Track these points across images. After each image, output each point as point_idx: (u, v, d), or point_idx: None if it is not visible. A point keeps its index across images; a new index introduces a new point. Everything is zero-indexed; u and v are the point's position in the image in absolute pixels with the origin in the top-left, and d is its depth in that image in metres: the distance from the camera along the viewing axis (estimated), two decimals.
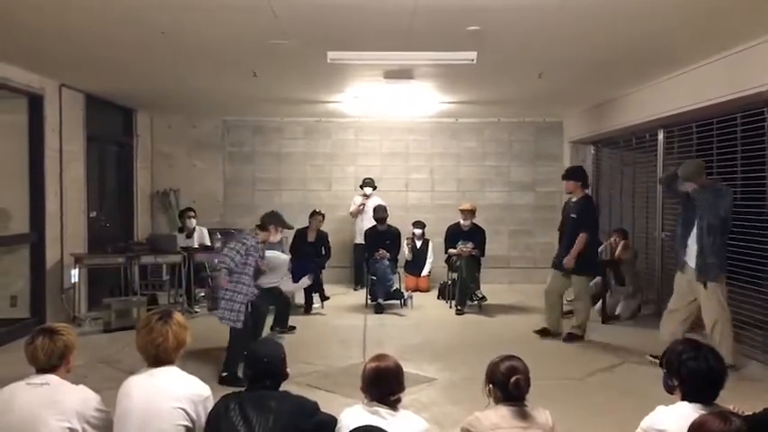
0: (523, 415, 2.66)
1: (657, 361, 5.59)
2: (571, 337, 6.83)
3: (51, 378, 2.80)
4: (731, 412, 2.22)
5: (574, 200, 6.98)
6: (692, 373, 2.64)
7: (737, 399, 2.79)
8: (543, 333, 7.03)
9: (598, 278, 8.14)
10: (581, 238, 6.73)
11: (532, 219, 10.99)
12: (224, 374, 5.35)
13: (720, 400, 2.65)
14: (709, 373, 2.63)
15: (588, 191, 7.13)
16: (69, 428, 2.68)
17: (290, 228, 6.65)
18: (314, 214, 8.89)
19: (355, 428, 2.40)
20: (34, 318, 7.06)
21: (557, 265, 7.01)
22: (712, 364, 2.64)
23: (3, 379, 2.91)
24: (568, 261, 6.75)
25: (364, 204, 10.05)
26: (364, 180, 10.21)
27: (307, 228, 8.85)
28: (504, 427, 2.62)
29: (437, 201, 10.97)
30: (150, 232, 10.24)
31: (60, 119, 7.68)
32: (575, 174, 7.07)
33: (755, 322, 6.23)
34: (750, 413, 2.58)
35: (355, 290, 10.01)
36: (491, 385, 2.78)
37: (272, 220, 6.16)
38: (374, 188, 10.17)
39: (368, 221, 9.71)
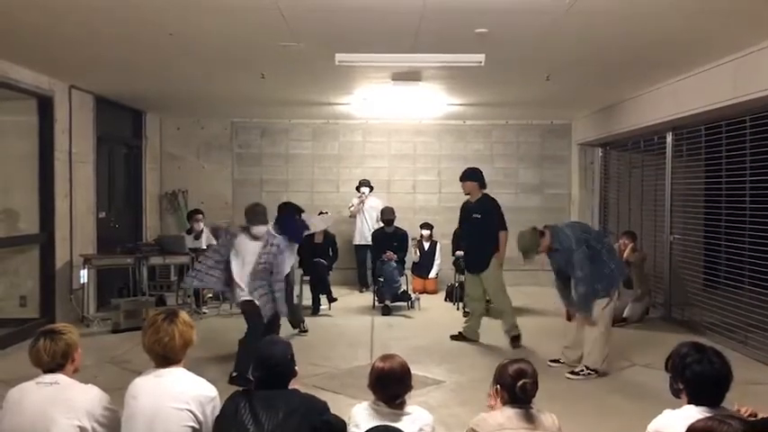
0: (529, 417, 2.66)
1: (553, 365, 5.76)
2: (516, 340, 6.73)
3: (61, 377, 2.82)
4: (730, 416, 2.20)
5: (473, 200, 6.95)
6: (697, 376, 2.62)
7: (749, 404, 2.77)
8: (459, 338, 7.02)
9: None
10: (502, 236, 6.77)
11: (540, 221, 10.81)
12: (234, 374, 5.35)
13: (729, 403, 2.64)
14: (714, 376, 2.61)
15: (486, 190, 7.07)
16: (79, 427, 2.70)
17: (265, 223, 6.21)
18: (320, 215, 8.91)
19: (373, 428, 2.40)
20: (43, 318, 7.09)
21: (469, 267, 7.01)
22: (717, 366, 2.62)
23: (13, 378, 2.94)
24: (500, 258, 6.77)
25: (363, 203, 10.07)
26: (360, 181, 10.24)
27: None
28: (510, 428, 2.62)
29: (444, 203, 10.96)
30: (159, 233, 10.28)
31: (70, 120, 7.73)
32: (472, 175, 7.02)
33: (766, 326, 6.19)
34: (760, 417, 2.57)
35: (361, 291, 10.01)
36: (498, 386, 2.78)
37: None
38: (371, 189, 10.20)
39: (367, 222, 9.75)
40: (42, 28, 5.30)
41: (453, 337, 7.02)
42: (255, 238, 5.77)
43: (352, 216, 10.25)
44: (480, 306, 7.05)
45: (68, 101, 7.72)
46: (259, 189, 11.02)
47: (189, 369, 2.90)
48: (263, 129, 11.02)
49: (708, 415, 2.42)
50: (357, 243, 10.15)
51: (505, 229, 6.85)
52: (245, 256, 5.73)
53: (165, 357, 2.83)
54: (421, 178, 11.04)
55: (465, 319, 7.19)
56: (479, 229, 6.83)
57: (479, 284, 6.91)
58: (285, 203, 6.84)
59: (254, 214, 5.82)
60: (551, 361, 5.99)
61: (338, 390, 5.20)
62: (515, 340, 6.72)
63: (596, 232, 6.59)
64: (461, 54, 5.93)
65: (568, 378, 5.60)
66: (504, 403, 2.75)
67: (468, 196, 7.05)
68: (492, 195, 7.06)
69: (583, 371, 5.64)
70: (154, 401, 2.73)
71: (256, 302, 5.67)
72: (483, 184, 7.01)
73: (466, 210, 7.11)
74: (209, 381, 2.90)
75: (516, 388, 2.68)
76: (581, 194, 10.77)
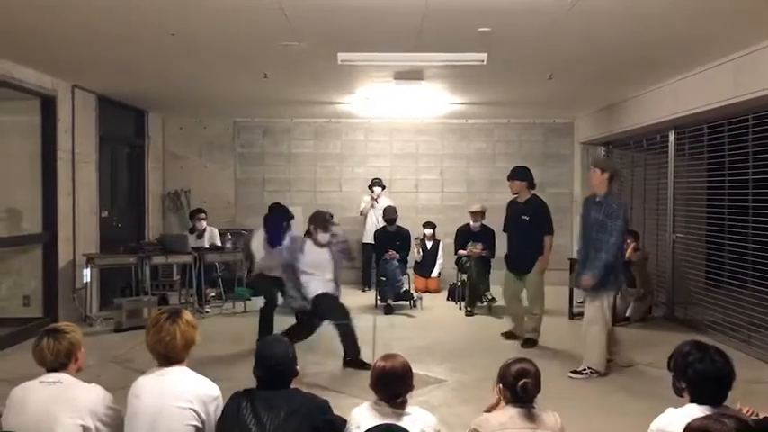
0: (531, 416, 2.66)
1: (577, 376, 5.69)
2: (530, 343, 6.66)
3: (64, 376, 2.83)
4: (727, 415, 2.19)
5: (521, 201, 6.84)
6: (699, 374, 2.62)
7: (752, 403, 2.77)
8: (509, 336, 6.99)
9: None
10: (548, 241, 6.69)
11: None
12: (348, 359, 5.90)
13: (732, 403, 2.64)
14: (716, 375, 2.60)
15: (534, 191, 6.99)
16: (83, 426, 2.70)
17: (334, 224, 6.45)
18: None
19: (375, 426, 2.39)
20: (46, 317, 7.11)
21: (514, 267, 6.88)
22: (719, 365, 2.61)
23: (16, 377, 2.95)
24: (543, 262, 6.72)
25: (375, 203, 10.07)
26: (373, 180, 10.24)
27: None
28: (512, 427, 2.62)
29: (447, 202, 10.97)
30: (161, 233, 10.29)
31: (73, 120, 7.74)
32: (522, 174, 6.88)
33: None
34: (764, 416, 2.57)
35: (363, 291, 10.01)
36: (501, 385, 2.79)
37: (313, 221, 6.21)
38: (383, 188, 10.20)
39: (377, 221, 9.74)
40: (45, 28, 5.31)
41: (505, 335, 6.99)
42: (321, 245, 6.08)
43: (363, 215, 10.25)
44: (519, 305, 7.00)
45: (71, 100, 7.73)
46: (261, 188, 11.03)
47: (192, 368, 2.91)
48: (266, 128, 11.03)
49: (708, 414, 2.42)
50: (366, 242, 10.15)
51: (552, 233, 6.75)
52: (313, 263, 6.04)
53: (167, 357, 2.84)
54: (423, 177, 11.05)
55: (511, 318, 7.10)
56: (527, 230, 6.71)
57: (519, 284, 6.84)
58: (277, 205, 6.93)
59: (320, 221, 6.12)
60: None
61: (340, 389, 5.20)
62: (529, 342, 6.65)
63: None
64: (464, 53, 5.93)
65: (570, 378, 5.59)
66: (507, 402, 2.75)
67: (515, 195, 6.91)
68: (540, 196, 6.98)
69: (585, 370, 5.62)
70: (157, 400, 2.73)
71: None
72: (532, 184, 6.89)
73: (513, 209, 6.98)
74: (211, 380, 2.91)
75: (517, 387, 2.68)
76: (583, 193, 10.73)
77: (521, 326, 6.92)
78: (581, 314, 8.04)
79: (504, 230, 7.18)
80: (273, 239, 6.51)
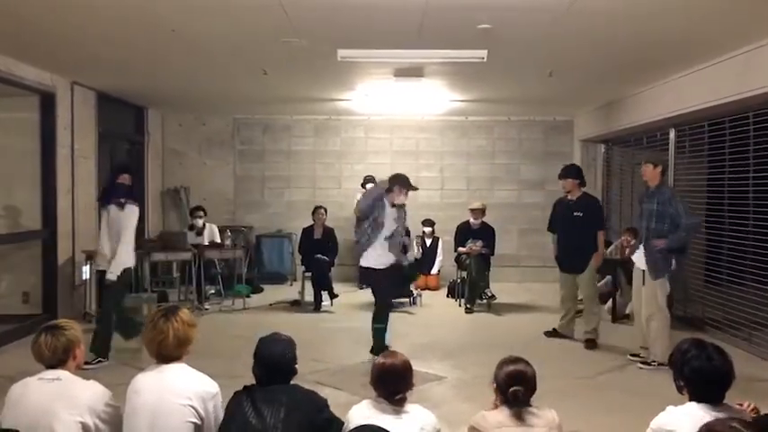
0: (528, 414, 2.66)
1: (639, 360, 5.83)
2: (591, 344, 6.66)
3: (63, 373, 2.83)
4: (737, 420, 2.18)
5: (573, 198, 6.85)
6: (696, 372, 2.61)
7: (755, 401, 2.76)
8: (553, 334, 7.00)
9: (608, 277, 8.11)
10: (601, 236, 6.72)
11: (542, 217, 10.81)
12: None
13: (730, 401, 2.64)
14: (714, 373, 2.59)
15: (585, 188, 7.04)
16: (81, 423, 2.70)
17: (415, 189, 6.42)
18: (316, 210, 8.92)
19: (355, 428, 2.40)
20: (46, 314, 7.11)
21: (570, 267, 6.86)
22: (716, 363, 2.60)
23: (15, 374, 2.95)
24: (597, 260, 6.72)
25: None
26: (365, 177, 10.20)
27: (313, 225, 8.86)
28: (510, 425, 2.62)
29: (447, 199, 10.96)
30: (161, 230, 10.28)
31: (72, 116, 7.73)
32: (573, 172, 6.95)
33: None
34: (765, 413, 2.56)
35: (360, 288, 9.98)
36: (495, 385, 2.79)
37: (396, 181, 6.11)
38: (375, 185, 10.14)
39: None
40: (45, 25, 5.30)
41: (548, 334, 7.01)
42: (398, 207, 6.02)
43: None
44: (574, 306, 6.98)
45: (70, 97, 7.72)
46: (261, 185, 11.03)
47: (191, 365, 2.90)
48: (265, 125, 11.02)
49: (711, 412, 2.42)
50: None
51: (604, 227, 6.79)
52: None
53: (161, 355, 2.84)
54: (423, 175, 11.02)
55: (561, 315, 7.07)
56: (580, 228, 6.73)
57: (574, 284, 6.84)
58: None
59: (404, 181, 6.06)
60: (631, 355, 6.09)
61: (339, 386, 5.21)
62: (591, 344, 6.65)
63: None
64: (464, 50, 5.92)
65: (640, 368, 5.75)
66: (501, 403, 2.75)
67: (566, 194, 6.93)
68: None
69: (653, 362, 5.71)
70: (156, 397, 2.73)
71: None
72: (583, 182, 6.94)
73: (565, 207, 6.95)
74: (210, 377, 2.90)
75: (508, 395, 2.67)
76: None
77: (571, 326, 6.94)
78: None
79: (549, 229, 7.22)
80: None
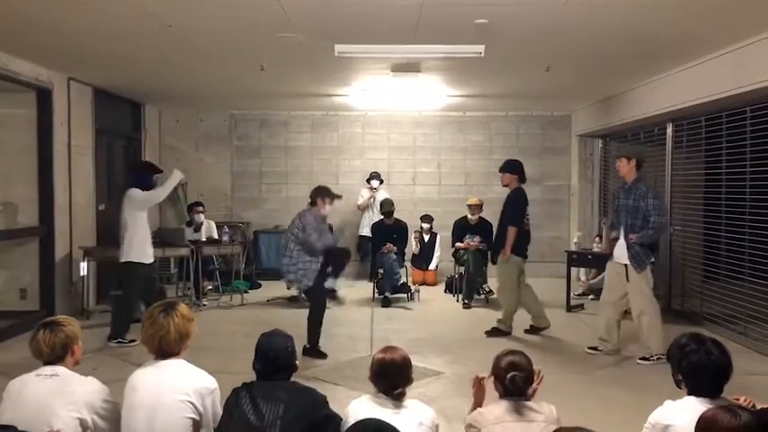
0: (526, 409, 2.67)
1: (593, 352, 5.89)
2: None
3: (60, 370, 2.82)
4: (740, 406, 2.20)
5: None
6: (694, 366, 2.62)
7: (751, 395, 2.77)
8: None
9: (605, 273, 8.12)
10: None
11: (540, 212, 10.93)
12: (307, 346, 5.88)
13: (728, 395, 2.64)
14: (712, 367, 2.60)
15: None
16: (79, 419, 2.70)
17: (338, 197, 6.46)
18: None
19: (356, 422, 2.40)
20: (43, 310, 7.10)
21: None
22: (714, 357, 2.61)
23: (13, 370, 2.94)
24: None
25: (374, 198, 10.07)
26: (371, 174, 10.24)
27: None
28: (508, 420, 2.63)
29: (444, 194, 10.96)
30: (158, 226, 10.26)
31: (69, 112, 7.70)
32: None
33: (766, 317, 6.19)
34: (761, 407, 2.57)
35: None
36: (494, 379, 2.80)
37: (318, 193, 6.17)
38: (381, 182, 10.20)
39: (376, 215, 9.73)
40: (41, 20, 5.27)
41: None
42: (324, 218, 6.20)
43: (360, 209, 10.25)
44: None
45: (67, 93, 7.69)
46: (258, 181, 11.02)
47: (189, 360, 2.90)
48: (262, 121, 11.00)
49: (709, 406, 2.42)
50: (363, 234, 10.18)
51: (514, 224, 6.66)
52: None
53: (161, 350, 2.84)
54: (421, 170, 11.03)
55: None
56: (500, 223, 6.79)
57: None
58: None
59: (327, 192, 6.17)
60: (589, 348, 6.14)
61: (338, 381, 5.21)
62: (494, 332, 6.75)
63: None
64: (461, 45, 5.91)
65: (639, 364, 5.74)
66: (501, 396, 2.76)
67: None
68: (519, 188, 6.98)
69: (652, 357, 5.70)
70: (154, 393, 2.73)
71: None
72: (522, 178, 7.01)
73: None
74: (209, 372, 2.90)
75: (506, 381, 2.69)
76: (581, 186, 10.76)
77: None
78: (578, 306, 8.15)
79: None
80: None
